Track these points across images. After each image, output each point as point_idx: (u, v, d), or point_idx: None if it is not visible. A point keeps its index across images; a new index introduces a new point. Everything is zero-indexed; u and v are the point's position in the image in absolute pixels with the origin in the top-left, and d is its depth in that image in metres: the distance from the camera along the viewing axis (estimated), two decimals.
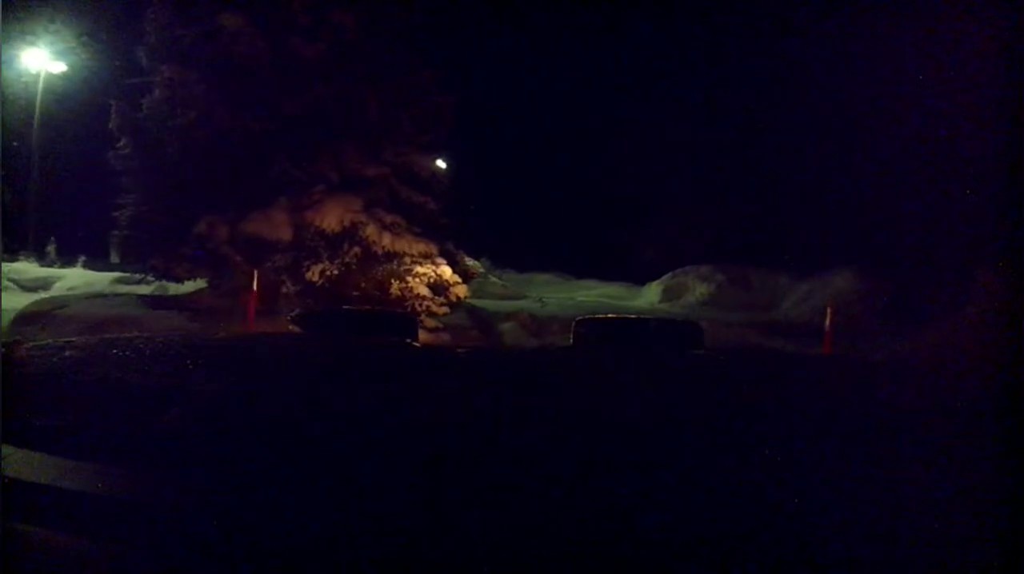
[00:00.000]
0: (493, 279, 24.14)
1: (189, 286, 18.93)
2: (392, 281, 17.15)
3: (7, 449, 2.34)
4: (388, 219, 17.53)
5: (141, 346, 4.70)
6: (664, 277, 24.16)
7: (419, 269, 17.55)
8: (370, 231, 17.12)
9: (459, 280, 18.35)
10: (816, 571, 1.85)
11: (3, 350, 3.87)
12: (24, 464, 2.29)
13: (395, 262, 17.35)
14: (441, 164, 20.58)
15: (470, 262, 21.20)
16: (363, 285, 16.99)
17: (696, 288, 23.08)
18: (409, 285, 17.25)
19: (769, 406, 3.78)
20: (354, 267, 16.93)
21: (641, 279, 24.83)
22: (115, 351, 4.53)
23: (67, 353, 4.25)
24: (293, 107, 16.16)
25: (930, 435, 3.12)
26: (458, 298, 18.26)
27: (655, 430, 3.16)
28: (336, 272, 16.70)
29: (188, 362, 4.37)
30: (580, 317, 6.75)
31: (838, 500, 2.26)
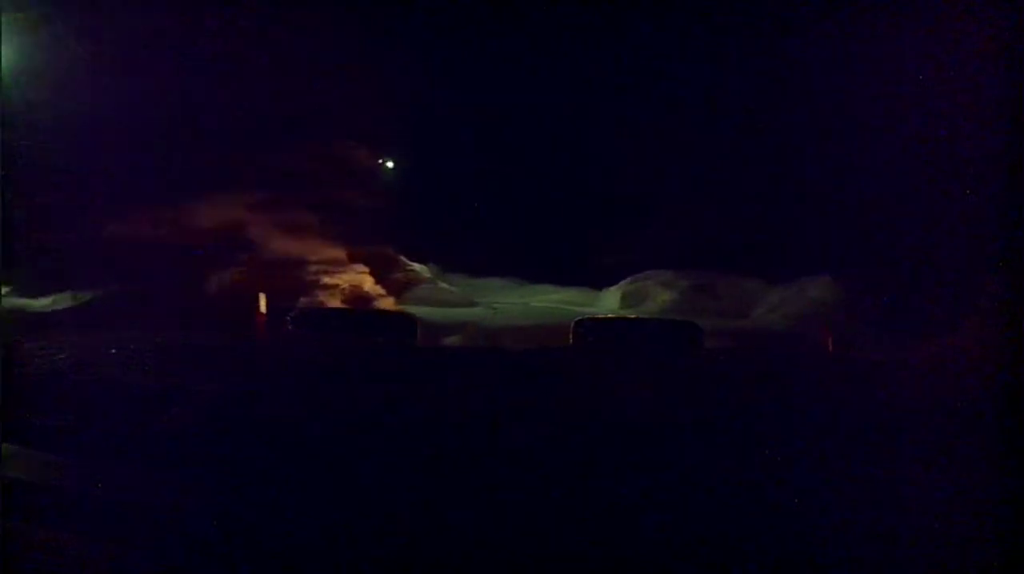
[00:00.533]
0: (443, 285, 21.87)
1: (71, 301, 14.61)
2: (299, 294, 13.48)
3: (7, 449, 2.34)
4: (290, 218, 13.76)
5: (141, 346, 4.70)
6: (622, 283, 23.07)
7: (327, 279, 14.00)
8: (256, 232, 13.39)
9: (383, 292, 15.01)
10: (816, 571, 1.85)
11: (3, 350, 3.87)
12: (24, 464, 2.29)
13: (301, 270, 13.80)
14: (389, 163, 18.17)
15: (417, 267, 19.05)
16: (259, 298, 14.21)
17: (657, 295, 21.82)
18: (318, 298, 13.44)
19: (769, 406, 3.78)
20: (241, 277, 13.14)
21: (600, 284, 23.66)
22: (115, 351, 4.53)
23: (67, 353, 4.25)
24: (199, 86, 12.74)
25: (930, 435, 3.12)
26: None
27: (655, 430, 3.16)
28: (219, 284, 13.07)
29: (188, 362, 4.37)
30: (579, 318, 6.75)
31: (838, 500, 2.26)
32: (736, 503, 2.22)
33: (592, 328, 6.60)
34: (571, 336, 6.43)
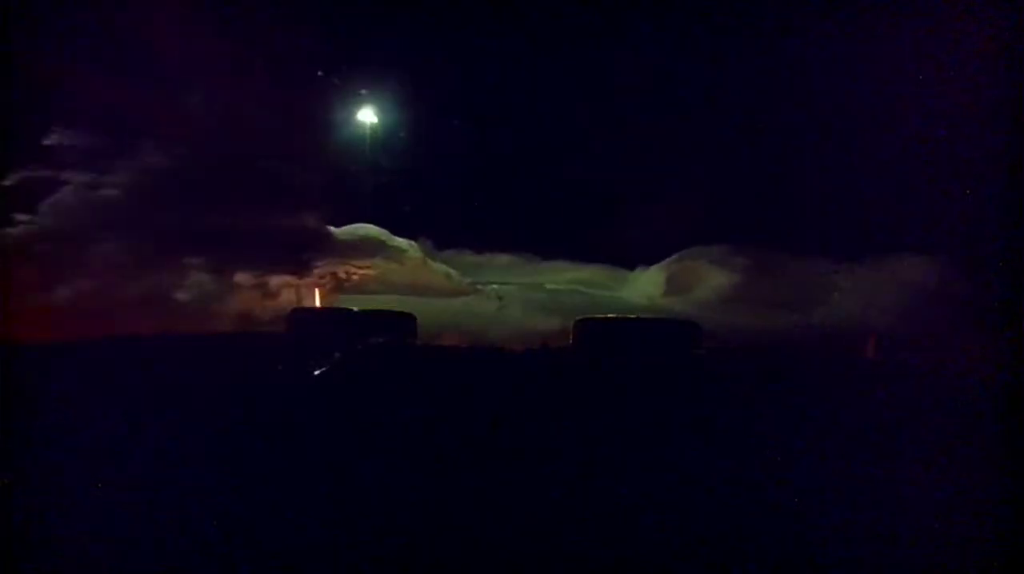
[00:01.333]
0: (436, 266, 15.98)
1: None
2: None
3: (7, 450, 2.34)
4: None
5: (142, 346, 4.69)
6: (667, 261, 18.37)
7: None
8: None
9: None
10: (816, 571, 1.85)
11: (3, 350, 3.87)
12: (24, 464, 2.29)
13: None
14: (372, 118, 13.61)
15: (402, 243, 14.79)
16: None
17: (710, 278, 17.22)
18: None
19: (769, 406, 3.78)
20: None
21: (629, 261, 18.73)
22: (116, 351, 4.52)
23: (68, 353, 4.24)
24: None
25: (930, 435, 3.12)
26: None
27: (655, 430, 3.15)
28: None
29: (189, 362, 4.37)
30: (580, 318, 6.74)
31: (838, 500, 2.26)
32: (736, 503, 2.22)
33: (593, 327, 6.62)
34: (571, 337, 6.44)
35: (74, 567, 1.96)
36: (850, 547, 1.92)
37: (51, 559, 1.97)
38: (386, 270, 13.81)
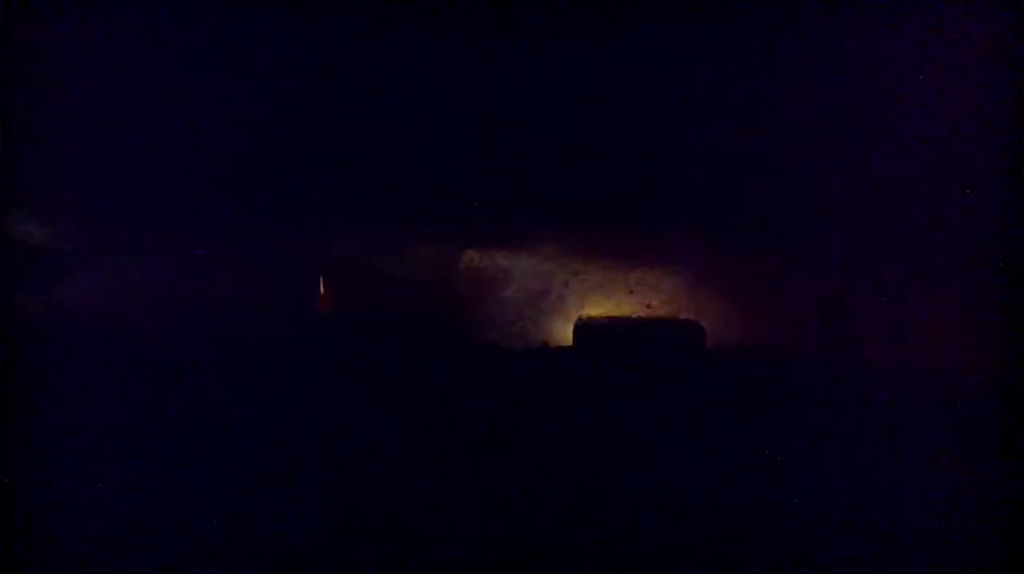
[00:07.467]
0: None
1: None
2: None
3: (7, 449, 2.34)
4: None
5: (142, 345, 4.67)
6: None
7: None
8: None
9: None
10: (816, 571, 1.84)
11: (3, 348, 3.86)
12: (24, 464, 2.29)
13: None
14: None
15: None
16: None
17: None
18: None
19: (769, 406, 3.77)
20: None
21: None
22: (115, 350, 4.51)
23: (67, 352, 4.23)
24: None
25: (930, 435, 3.11)
26: None
27: (655, 430, 3.15)
28: None
29: (189, 361, 4.36)
30: (579, 317, 6.73)
31: (838, 500, 2.26)
32: (736, 503, 2.22)
33: (593, 327, 6.61)
34: (572, 335, 6.43)
35: (74, 567, 1.95)
36: (850, 547, 1.92)
37: (50, 559, 1.97)
38: None
